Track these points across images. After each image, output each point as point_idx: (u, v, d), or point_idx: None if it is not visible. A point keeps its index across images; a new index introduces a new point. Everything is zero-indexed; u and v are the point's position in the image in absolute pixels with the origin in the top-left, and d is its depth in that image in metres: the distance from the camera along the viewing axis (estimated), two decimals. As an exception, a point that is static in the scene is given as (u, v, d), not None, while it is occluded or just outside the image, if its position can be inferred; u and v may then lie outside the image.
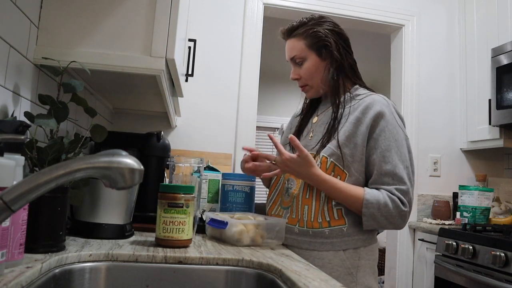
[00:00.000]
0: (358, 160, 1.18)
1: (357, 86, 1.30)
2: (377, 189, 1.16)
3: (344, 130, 1.20)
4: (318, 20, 1.29)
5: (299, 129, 1.36)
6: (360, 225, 1.18)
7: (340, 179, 1.17)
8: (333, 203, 1.18)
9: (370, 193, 1.14)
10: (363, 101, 1.23)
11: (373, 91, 1.29)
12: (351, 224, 1.18)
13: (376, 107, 1.19)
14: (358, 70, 1.33)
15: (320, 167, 1.18)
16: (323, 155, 1.19)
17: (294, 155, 1.14)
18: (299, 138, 1.33)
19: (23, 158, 0.75)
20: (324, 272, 1.12)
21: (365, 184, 1.20)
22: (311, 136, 1.29)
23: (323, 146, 1.21)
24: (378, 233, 3.08)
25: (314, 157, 1.21)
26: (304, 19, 1.29)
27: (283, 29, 1.33)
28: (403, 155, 1.17)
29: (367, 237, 1.20)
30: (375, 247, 1.24)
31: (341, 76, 1.27)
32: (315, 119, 1.33)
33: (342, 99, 1.26)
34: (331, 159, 1.18)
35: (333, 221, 1.17)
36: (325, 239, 1.17)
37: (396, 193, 1.14)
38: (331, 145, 1.19)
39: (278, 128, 5.11)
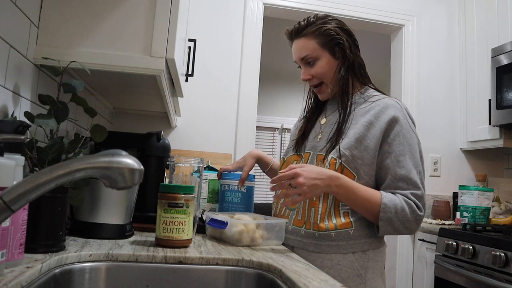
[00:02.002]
0: (368, 163, 1.16)
1: (367, 87, 1.28)
2: (392, 193, 1.15)
3: (354, 132, 1.17)
4: (325, 18, 1.26)
5: (304, 132, 1.32)
6: (367, 228, 1.17)
7: None
8: (340, 205, 1.17)
9: (387, 197, 1.12)
10: (376, 104, 1.21)
11: (384, 94, 1.28)
12: (358, 227, 1.16)
13: (390, 111, 1.18)
14: (366, 71, 1.31)
15: (329, 169, 1.15)
16: (331, 157, 1.16)
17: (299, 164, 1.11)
18: (304, 141, 1.30)
19: (23, 158, 0.75)
20: (332, 272, 1.12)
21: (375, 188, 1.18)
22: (319, 138, 1.26)
23: (331, 147, 1.18)
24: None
25: (323, 159, 1.19)
26: (312, 19, 1.25)
27: (289, 29, 1.28)
28: (416, 160, 1.16)
29: (374, 240, 1.18)
30: (384, 249, 1.22)
31: (351, 76, 1.25)
32: (323, 120, 1.30)
33: (351, 99, 1.24)
34: (340, 161, 1.15)
35: (339, 224, 1.15)
36: (331, 241, 1.15)
37: (412, 197, 1.13)
38: (340, 147, 1.16)
39: (278, 128, 5.11)
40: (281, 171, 1.13)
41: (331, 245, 1.15)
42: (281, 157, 1.41)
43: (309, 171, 1.08)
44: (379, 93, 1.27)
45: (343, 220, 1.16)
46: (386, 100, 1.22)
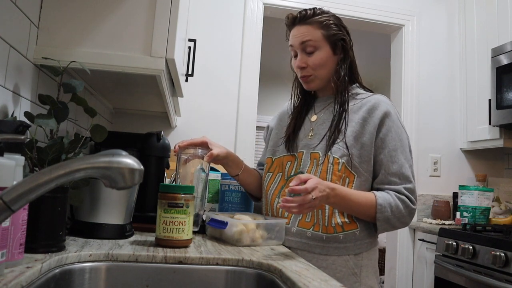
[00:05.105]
0: (366, 160, 1.18)
1: (354, 85, 1.29)
2: (382, 189, 1.17)
3: (351, 130, 1.18)
4: (330, 13, 1.26)
5: (294, 129, 1.30)
6: (368, 228, 1.19)
7: (349, 181, 1.17)
8: None
9: (381, 197, 1.14)
10: (367, 101, 1.23)
11: (371, 91, 1.29)
12: (363, 228, 1.18)
13: (382, 107, 1.20)
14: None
15: (332, 169, 1.16)
16: (335, 157, 1.17)
17: (313, 177, 1.05)
18: (296, 138, 1.28)
19: (23, 158, 0.75)
20: (328, 273, 1.11)
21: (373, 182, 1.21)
22: (311, 136, 1.25)
23: (329, 146, 1.18)
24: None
25: (320, 158, 1.19)
26: (318, 10, 1.25)
27: (293, 14, 1.27)
28: (407, 154, 1.20)
29: (374, 240, 1.22)
30: (376, 248, 1.25)
31: (348, 74, 1.26)
32: (314, 118, 1.29)
33: (347, 97, 1.24)
34: (342, 160, 1.16)
35: (346, 225, 1.16)
36: (339, 243, 1.16)
37: (405, 192, 1.16)
38: (341, 146, 1.17)
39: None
40: (291, 185, 1.01)
41: (339, 247, 1.16)
42: (267, 156, 1.36)
43: (319, 183, 1.04)
44: (365, 91, 1.29)
45: (348, 221, 1.17)
46: (377, 96, 1.24)
